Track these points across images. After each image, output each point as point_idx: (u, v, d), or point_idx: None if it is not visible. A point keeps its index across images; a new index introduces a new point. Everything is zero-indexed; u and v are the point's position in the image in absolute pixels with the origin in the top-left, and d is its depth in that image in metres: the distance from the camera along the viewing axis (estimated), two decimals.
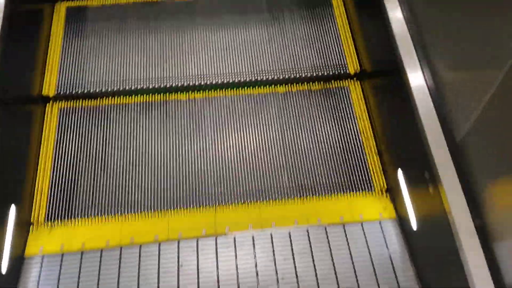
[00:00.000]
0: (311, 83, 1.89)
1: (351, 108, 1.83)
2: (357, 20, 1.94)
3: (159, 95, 1.87)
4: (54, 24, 1.97)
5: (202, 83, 1.88)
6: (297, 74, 1.91)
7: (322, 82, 1.89)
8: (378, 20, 1.60)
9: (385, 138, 1.69)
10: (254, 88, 1.90)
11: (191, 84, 1.87)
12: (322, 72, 1.91)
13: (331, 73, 1.91)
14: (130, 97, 1.86)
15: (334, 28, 2.02)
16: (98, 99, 1.86)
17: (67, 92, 1.83)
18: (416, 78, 1.34)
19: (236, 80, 1.89)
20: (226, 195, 1.67)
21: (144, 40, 1.95)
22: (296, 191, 1.67)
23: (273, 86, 1.89)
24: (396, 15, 1.52)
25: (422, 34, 1.41)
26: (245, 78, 1.90)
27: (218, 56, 1.94)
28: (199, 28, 2.00)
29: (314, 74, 1.91)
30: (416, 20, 1.45)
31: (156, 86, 1.86)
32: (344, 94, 1.86)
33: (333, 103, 1.84)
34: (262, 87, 1.90)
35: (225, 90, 1.90)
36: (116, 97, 1.86)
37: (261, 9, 2.05)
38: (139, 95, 1.87)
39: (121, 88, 1.85)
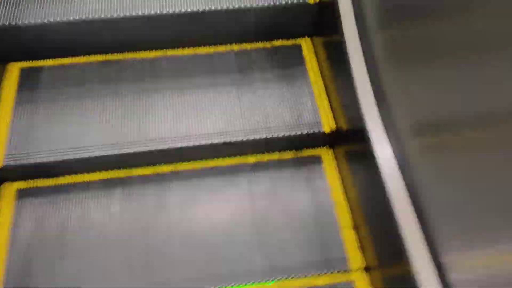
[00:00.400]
0: (282, 152, 1.78)
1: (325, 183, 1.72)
2: (330, 77, 1.84)
3: (122, 170, 1.75)
4: (5, 86, 1.82)
5: (166, 147, 1.74)
6: (269, 135, 1.79)
7: (294, 151, 1.79)
8: (347, 82, 1.51)
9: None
10: (223, 159, 1.78)
11: (153, 149, 1.73)
12: (296, 132, 1.79)
13: (305, 132, 1.80)
14: (91, 174, 1.73)
15: (307, 85, 1.92)
16: (59, 178, 1.73)
17: (17, 163, 1.67)
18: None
19: (203, 143, 1.76)
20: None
21: (103, 102, 1.82)
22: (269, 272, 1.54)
23: (243, 156, 1.77)
24: (362, 78, 1.42)
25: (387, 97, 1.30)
26: (212, 141, 1.77)
27: (183, 118, 1.81)
28: (163, 89, 1.87)
29: (287, 134, 1.79)
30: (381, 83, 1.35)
31: (116, 153, 1.71)
32: (316, 163, 1.75)
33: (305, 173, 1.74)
34: (231, 157, 1.78)
35: (192, 163, 1.78)
36: (76, 175, 1.73)
37: (230, 68, 1.94)
38: (101, 172, 1.74)
39: (77, 157, 1.69)
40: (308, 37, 2.01)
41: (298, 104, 1.87)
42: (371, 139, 1.25)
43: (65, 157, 1.69)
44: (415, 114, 1.17)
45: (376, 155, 1.23)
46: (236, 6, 1.86)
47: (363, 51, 1.40)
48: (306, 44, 2.00)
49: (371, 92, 1.32)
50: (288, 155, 1.79)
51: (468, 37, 0.93)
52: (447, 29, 1.00)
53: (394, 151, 1.22)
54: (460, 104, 0.97)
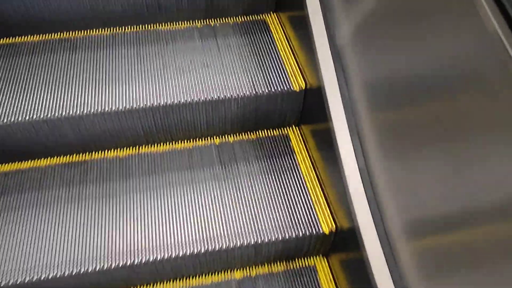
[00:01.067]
0: (272, 264, 1.51)
1: None
2: (323, 169, 1.61)
3: None
4: None
5: (137, 261, 1.48)
6: (258, 239, 1.52)
7: (284, 262, 1.51)
8: (337, 175, 1.29)
9: None
10: (204, 277, 1.51)
11: (122, 264, 1.46)
12: (290, 234, 1.53)
13: (300, 234, 1.53)
14: None
15: (299, 179, 1.68)
16: None
17: None
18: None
19: (181, 253, 1.49)
20: None
21: (64, 210, 1.58)
22: None
23: (228, 269, 1.51)
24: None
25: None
26: (192, 250, 1.50)
27: (157, 224, 1.56)
28: (135, 191, 1.65)
29: (280, 237, 1.52)
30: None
31: (77, 272, 1.44)
32: (311, 275, 1.46)
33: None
34: (214, 273, 1.52)
35: (171, 283, 1.54)
36: None
37: (211, 164, 1.73)
38: None
39: (30, 279, 1.43)
40: (296, 126, 1.82)
41: (290, 202, 1.63)
42: (365, 248, 1.01)
43: (15, 280, 1.43)
44: (407, 212, 0.96)
45: (370, 271, 0.98)
46: (216, 96, 1.68)
47: (352, 141, 1.19)
48: (294, 134, 1.80)
49: (362, 189, 1.10)
50: (279, 267, 1.51)
51: (465, 122, 0.74)
52: (439, 115, 0.80)
53: (388, 260, 0.98)
54: (452, 202, 0.82)
